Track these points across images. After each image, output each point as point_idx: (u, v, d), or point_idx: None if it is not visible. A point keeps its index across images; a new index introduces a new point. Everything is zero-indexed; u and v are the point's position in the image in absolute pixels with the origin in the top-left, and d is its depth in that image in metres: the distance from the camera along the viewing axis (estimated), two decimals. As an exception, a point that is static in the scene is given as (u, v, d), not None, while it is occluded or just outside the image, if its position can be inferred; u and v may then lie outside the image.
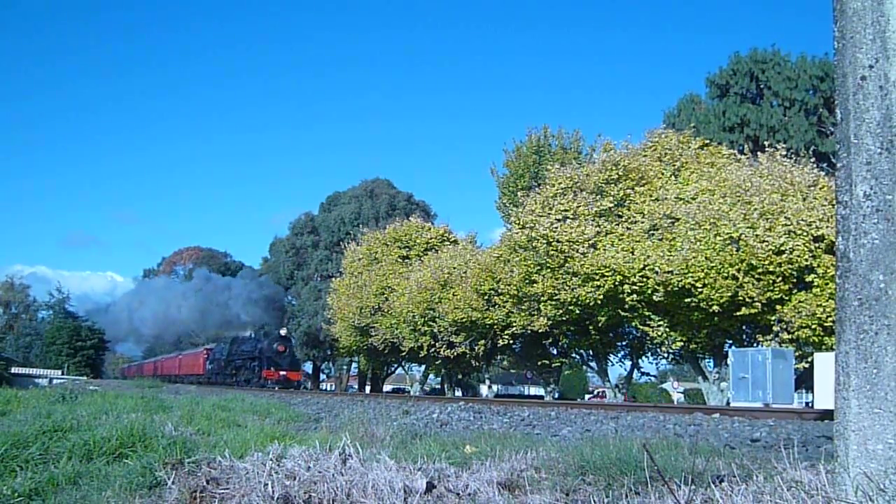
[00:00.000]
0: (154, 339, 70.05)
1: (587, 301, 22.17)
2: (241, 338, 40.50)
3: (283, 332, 36.71)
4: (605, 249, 21.95)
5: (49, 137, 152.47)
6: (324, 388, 58.26)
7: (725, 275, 19.40)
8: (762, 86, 36.48)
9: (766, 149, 22.79)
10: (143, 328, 64.42)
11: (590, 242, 22.59)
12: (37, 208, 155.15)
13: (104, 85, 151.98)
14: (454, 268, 31.92)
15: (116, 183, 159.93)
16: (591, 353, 29.17)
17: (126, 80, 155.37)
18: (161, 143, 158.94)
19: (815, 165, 23.16)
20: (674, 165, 24.19)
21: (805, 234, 18.94)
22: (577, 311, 23.28)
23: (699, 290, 19.67)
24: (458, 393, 40.43)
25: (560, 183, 24.56)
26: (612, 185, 23.81)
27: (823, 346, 18.37)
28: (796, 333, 19.36)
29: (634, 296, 21.06)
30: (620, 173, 23.87)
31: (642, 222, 22.33)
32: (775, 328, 19.94)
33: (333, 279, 43.46)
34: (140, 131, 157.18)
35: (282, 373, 33.83)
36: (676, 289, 20.06)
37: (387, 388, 55.43)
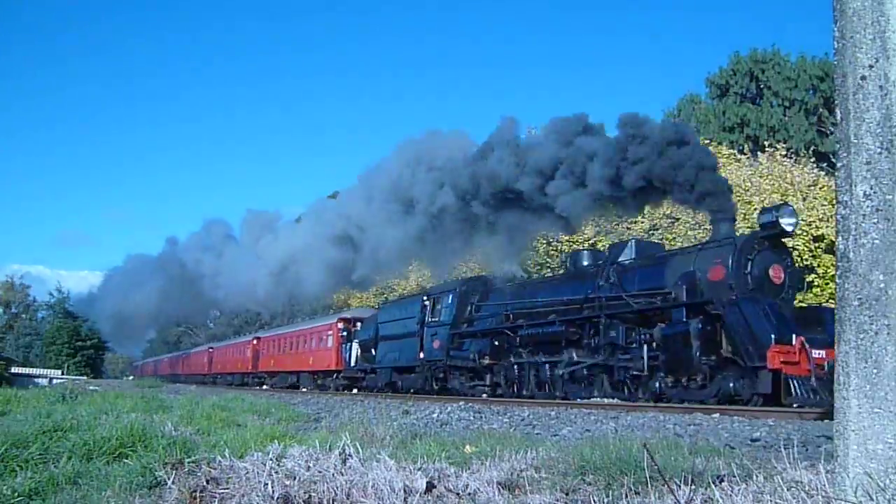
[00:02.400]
0: (120, 337, 60.56)
1: (586, 301, 22.01)
2: (505, 279, 18.66)
3: (786, 223, 12.02)
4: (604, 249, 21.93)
5: (38, 136, 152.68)
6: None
7: (725, 275, 19.31)
8: (762, 86, 36.47)
9: (766, 149, 22.80)
10: (104, 327, 55.06)
11: (590, 242, 22.58)
12: (28, 207, 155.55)
13: (102, 84, 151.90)
14: (454, 267, 31.88)
15: (107, 182, 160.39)
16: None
17: (124, 80, 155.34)
18: (156, 143, 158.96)
19: (815, 165, 23.18)
20: (674, 165, 24.16)
21: (805, 234, 18.94)
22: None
23: (699, 290, 19.54)
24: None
25: (560, 183, 24.49)
26: (612, 185, 23.79)
27: (823, 346, 18.27)
28: (796, 333, 19.24)
29: (634, 296, 20.89)
30: (620, 173, 23.83)
31: (642, 222, 22.32)
32: (775, 328, 19.79)
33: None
34: (134, 130, 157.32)
35: (819, 352, 10.54)
36: (676, 289, 19.93)
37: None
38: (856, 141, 2.84)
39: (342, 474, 4.07)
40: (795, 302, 13.43)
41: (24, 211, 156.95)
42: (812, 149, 29.93)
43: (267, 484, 3.91)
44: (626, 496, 3.76)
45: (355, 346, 23.24)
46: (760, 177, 21.05)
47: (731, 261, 11.99)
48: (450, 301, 18.59)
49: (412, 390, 18.87)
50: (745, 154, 25.97)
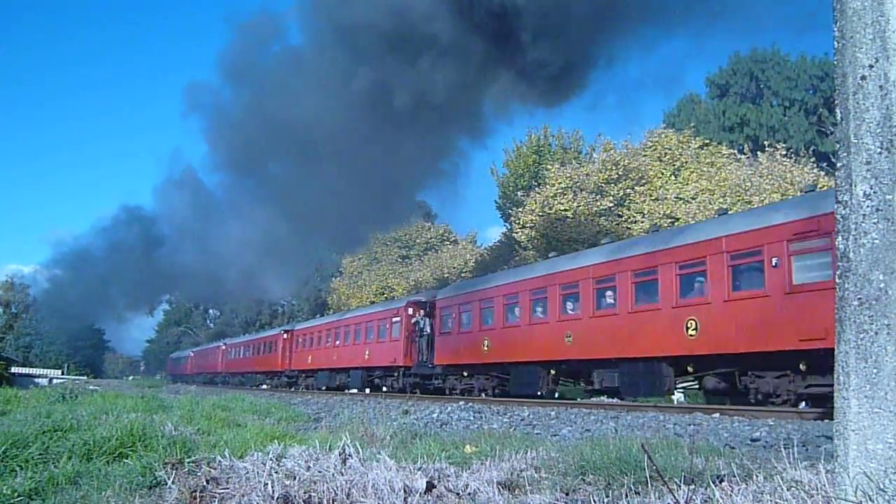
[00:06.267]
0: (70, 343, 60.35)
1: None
2: None
3: None
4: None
5: (35, 137, 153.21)
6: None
7: (725, 275, 19.31)
8: (762, 86, 36.49)
9: (766, 149, 22.81)
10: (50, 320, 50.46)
11: (590, 242, 22.60)
12: (25, 208, 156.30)
13: (91, 86, 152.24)
14: (454, 267, 31.94)
15: (96, 182, 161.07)
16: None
17: (113, 83, 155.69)
18: (152, 142, 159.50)
19: (815, 165, 23.19)
20: (674, 165, 24.20)
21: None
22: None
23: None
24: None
25: (560, 183, 24.59)
26: (612, 185, 23.84)
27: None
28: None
29: (634, 296, 20.89)
30: (620, 173, 23.89)
31: (642, 222, 22.33)
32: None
33: (333, 279, 43.49)
34: (128, 130, 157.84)
35: None
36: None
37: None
38: (856, 141, 2.84)
39: (342, 474, 4.07)
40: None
41: (23, 211, 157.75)
42: (812, 149, 29.94)
43: (267, 484, 3.91)
44: (626, 496, 3.76)
45: None
46: (760, 177, 21.06)
47: None
48: None
49: None
50: (745, 154, 25.99)
